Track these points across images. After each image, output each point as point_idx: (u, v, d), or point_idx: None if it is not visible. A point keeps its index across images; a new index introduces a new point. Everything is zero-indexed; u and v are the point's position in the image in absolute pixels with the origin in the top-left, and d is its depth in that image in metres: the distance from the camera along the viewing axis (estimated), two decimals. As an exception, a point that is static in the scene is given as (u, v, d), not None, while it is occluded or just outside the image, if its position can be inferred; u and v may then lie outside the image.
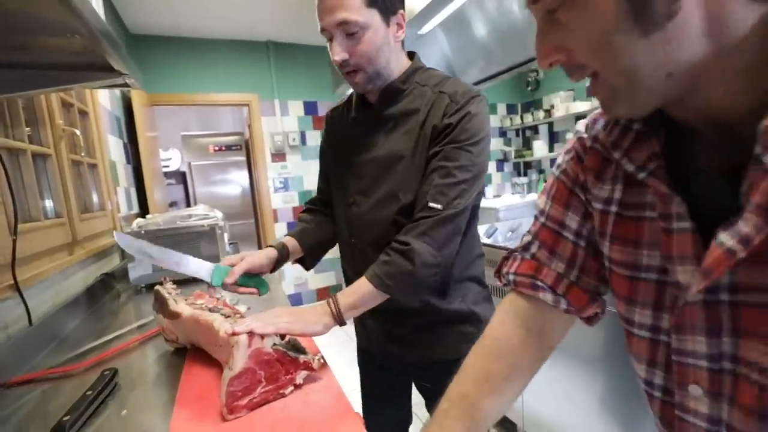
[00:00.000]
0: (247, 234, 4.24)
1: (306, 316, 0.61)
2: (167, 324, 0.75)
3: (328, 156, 0.82)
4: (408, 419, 0.92)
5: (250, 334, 0.56)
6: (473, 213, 0.68)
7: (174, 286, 0.82)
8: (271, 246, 0.78)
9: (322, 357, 0.63)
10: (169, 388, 0.63)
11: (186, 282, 1.35)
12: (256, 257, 0.73)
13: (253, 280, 0.72)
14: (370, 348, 0.83)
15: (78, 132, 1.27)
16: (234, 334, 0.55)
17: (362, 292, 0.63)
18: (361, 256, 0.74)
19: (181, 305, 0.73)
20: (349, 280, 0.79)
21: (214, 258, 1.41)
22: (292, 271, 3.25)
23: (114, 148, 1.91)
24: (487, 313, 0.74)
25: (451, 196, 0.62)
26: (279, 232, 3.18)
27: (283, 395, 0.56)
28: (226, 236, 1.52)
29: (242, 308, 1.03)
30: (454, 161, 0.61)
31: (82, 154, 1.31)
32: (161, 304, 0.77)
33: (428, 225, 0.62)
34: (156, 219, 1.43)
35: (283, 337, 0.61)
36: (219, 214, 1.56)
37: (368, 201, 0.71)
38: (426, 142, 0.64)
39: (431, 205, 0.62)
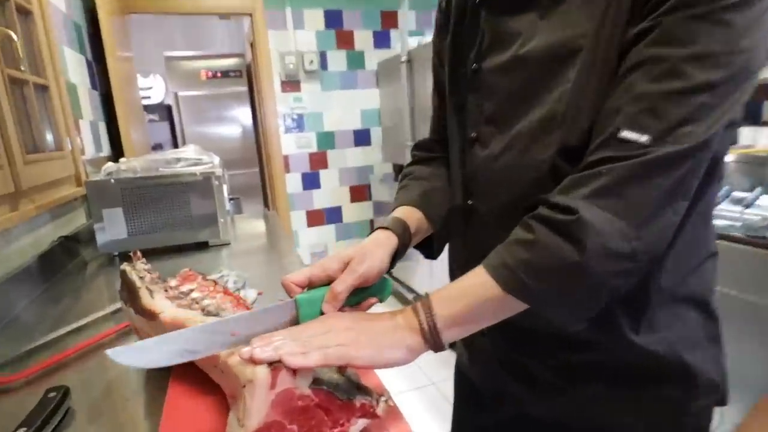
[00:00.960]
0: (250, 187, 4.21)
1: (376, 335, 0.48)
2: (141, 323, 0.65)
3: (441, 71, 0.70)
4: None
5: (275, 366, 0.43)
6: (714, 167, 0.48)
7: (147, 265, 0.70)
8: (382, 229, 0.62)
9: (390, 398, 0.52)
10: (145, 423, 0.57)
11: (167, 252, 1.29)
12: (367, 260, 0.56)
13: (366, 290, 0.58)
14: (475, 377, 0.74)
15: (15, 36, 1.10)
16: (251, 361, 0.43)
17: (476, 296, 0.48)
18: (481, 233, 0.63)
19: (158, 300, 0.62)
20: (454, 276, 0.68)
21: (207, 220, 1.31)
22: (307, 233, 3.15)
23: (73, 65, 1.79)
24: (708, 368, 0.57)
25: (673, 119, 0.41)
26: (292, 185, 3.08)
27: None
28: (225, 189, 1.42)
29: (250, 294, 0.94)
30: (682, 45, 0.40)
31: (23, 68, 1.15)
32: (130, 295, 0.65)
33: (617, 176, 0.43)
34: (131, 164, 1.35)
35: (341, 369, 0.51)
36: (215, 159, 1.48)
37: (504, 135, 0.56)
38: (621, 17, 0.44)
39: (626, 135, 0.42)
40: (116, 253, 1.28)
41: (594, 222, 0.43)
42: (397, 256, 0.60)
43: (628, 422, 0.59)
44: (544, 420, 0.67)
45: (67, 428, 0.56)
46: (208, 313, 0.56)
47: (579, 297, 0.46)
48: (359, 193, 3.28)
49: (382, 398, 0.51)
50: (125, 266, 0.68)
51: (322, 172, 3.17)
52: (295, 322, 0.53)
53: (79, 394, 0.62)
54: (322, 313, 0.53)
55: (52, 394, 0.57)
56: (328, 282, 0.54)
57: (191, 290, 0.71)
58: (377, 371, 0.60)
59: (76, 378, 0.67)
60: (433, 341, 0.48)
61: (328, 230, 3.23)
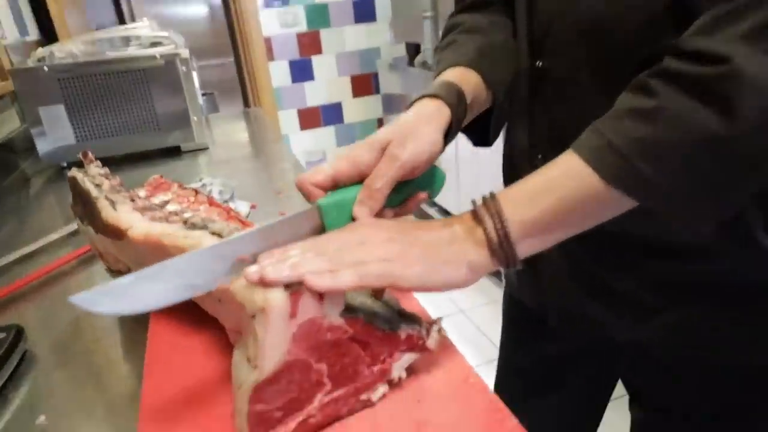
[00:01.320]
0: (224, 82, 4.08)
1: (427, 248, 0.45)
2: (104, 245, 0.63)
3: None
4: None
5: (295, 290, 0.40)
6: None
7: (103, 169, 0.67)
8: (428, 98, 0.56)
9: (441, 327, 0.52)
10: (125, 367, 0.58)
11: (130, 162, 1.29)
12: (411, 141, 0.50)
13: (410, 183, 0.53)
14: (539, 300, 0.75)
15: None
16: (261, 283, 0.40)
17: (563, 192, 0.44)
18: (556, 107, 0.60)
19: (124, 212, 0.59)
20: (513, 171, 0.69)
21: (176, 119, 1.29)
22: (299, 138, 3.09)
23: None
24: None
25: None
26: (278, 77, 2.98)
27: (370, 404, 0.48)
28: (196, 79, 1.38)
29: (242, 207, 0.94)
30: None
31: None
32: (86, 209, 0.63)
33: None
34: (68, 48, 1.30)
35: (378, 292, 0.49)
36: (179, 39, 1.44)
37: None
38: None
39: None
40: (65, 164, 1.26)
41: (757, 74, 0.37)
42: (448, 136, 0.55)
43: (735, 349, 0.59)
44: (622, 347, 0.68)
45: (26, 376, 0.57)
46: (193, 227, 0.52)
47: (720, 188, 0.42)
48: (363, 84, 3.16)
49: (434, 327, 0.50)
50: (74, 172, 0.66)
51: (315, 59, 3.04)
52: (320, 233, 0.49)
53: (36, 335, 0.62)
54: (353, 221, 0.49)
55: (0, 335, 0.57)
56: (360, 179, 0.49)
57: (165, 202, 0.69)
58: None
59: (30, 315, 0.67)
60: (504, 256, 0.44)
61: (326, 133, 3.17)
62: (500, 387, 0.90)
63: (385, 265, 0.42)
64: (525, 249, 0.45)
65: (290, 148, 3.11)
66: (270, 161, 1.27)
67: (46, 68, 1.17)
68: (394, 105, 2.97)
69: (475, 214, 0.45)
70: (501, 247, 0.44)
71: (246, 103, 3.58)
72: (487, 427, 0.45)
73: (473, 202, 0.47)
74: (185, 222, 0.53)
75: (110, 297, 0.42)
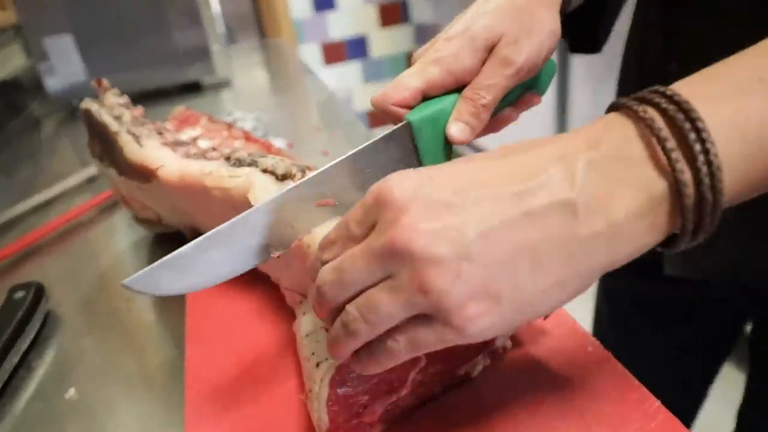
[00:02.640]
0: (237, 16, 3.94)
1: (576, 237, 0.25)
2: (130, 189, 0.57)
3: None
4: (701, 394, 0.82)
5: None
6: None
7: (123, 98, 0.60)
8: None
9: None
10: (162, 331, 0.55)
11: (146, 99, 1.22)
12: (526, 36, 0.38)
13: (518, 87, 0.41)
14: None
15: None
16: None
17: None
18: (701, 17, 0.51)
19: (152, 148, 0.51)
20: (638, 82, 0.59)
21: (196, 50, 1.21)
22: (323, 74, 2.95)
23: None
24: None
25: None
26: (298, 7, 2.81)
27: (468, 379, 0.43)
28: (216, 5, 1.31)
29: (279, 144, 0.88)
30: None
31: None
32: (106, 148, 0.56)
33: None
34: None
35: None
36: None
37: None
38: None
39: None
40: (76, 102, 1.21)
41: None
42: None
43: None
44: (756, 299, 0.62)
45: (51, 340, 0.54)
46: (238, 163, 0.43)
47: None
48: (392, 13, 2.97)
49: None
50: (88, 104, 0.58)
51: (337, -15, 2.85)
52: (413, 158, 0.39)
53: (59, 293, 0.59)
54: (448, 144, 0.39)
55: (19, 294, 0.55)
56: (458, 88, 0.39)
57: (195, 138, 0.61)
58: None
59: (50, 271, 0.64)
60: (697, 223, 0.25)
61: (352, 69, 3.01)
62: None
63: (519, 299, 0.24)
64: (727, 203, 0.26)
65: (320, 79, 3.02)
66: (301, 95, 1.20)
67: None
68: (427, 36, 2.81)
69: (652, 149, 0.25)
70: (699, 210, 0.25)
71: (263, 36, 3.44)
72: (621, 402, 0.37)
73: (627, 105, 0.26)
74: (228, 158, 0.44)
75: (172, 272, 0.35)
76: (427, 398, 0.41)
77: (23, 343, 0.51)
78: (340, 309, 0.27)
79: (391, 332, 0.26)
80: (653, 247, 0.26)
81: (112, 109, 0.56)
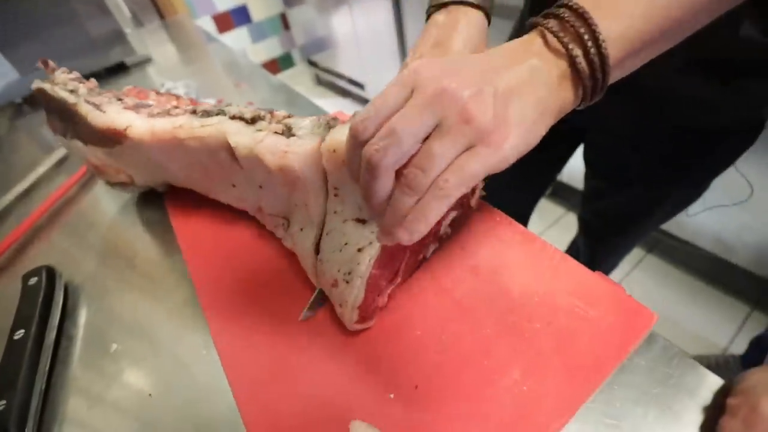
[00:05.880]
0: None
1: (518, 98, 0.32)
2: (101, 157, 0.58)
3: None
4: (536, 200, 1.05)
5: None
6: None
7: (73, 73, 0.62)
8: (465, 6, 0.49)
9: (483, 187, 0.53)
10: (173, 275, 0.58)
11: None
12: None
13: None
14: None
15: None
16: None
17: None
18: None
19: (115, 112, 0.54)
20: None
21: (110, 34, 1.23)
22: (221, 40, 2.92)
23: None
24: None
25: None
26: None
27: (425, 260, 0.50)
28: None
29: (211, 101, 0.95)
30: None
31: None
32: (67, 120, 0.57)
33: None
34: None
35: None
36: None
37: None
38: None
39: None
40: (19, 100, 1.19)
41: None
42: None
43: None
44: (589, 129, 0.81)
45: (78, 309, 0.56)
46: (207, 114, 0.48)
47: None
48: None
49: (479, 185, 0.50)
50: (39, 84, 0.59)
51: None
52: None
53: (68, 269, 0.61)
54: None
55: (33, 280, 0.55)
56: None
57: (150, 106, 0.64)
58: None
59: (52, 253, 0.65)
60: (592, 90, 0.34)
61: (241, 35, 3.13)
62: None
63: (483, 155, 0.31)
64: (615, 76, 0.35)
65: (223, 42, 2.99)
66: (215, 59, 1.24)
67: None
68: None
69: (551, 38, 0.33)
70: (593, 79, 0.33)
71: (162, 17, 3.32)
72: (532, 257, 0.47)
73: (537, 22, 0.34)
74: (194, 112, 0.49)
75: None
76: (402, 282, 0.47)
77: (54, 320, 0.53)
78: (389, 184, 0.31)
79: (441, 176, 0.30)
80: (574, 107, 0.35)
81: (66, 84, 0.57)
